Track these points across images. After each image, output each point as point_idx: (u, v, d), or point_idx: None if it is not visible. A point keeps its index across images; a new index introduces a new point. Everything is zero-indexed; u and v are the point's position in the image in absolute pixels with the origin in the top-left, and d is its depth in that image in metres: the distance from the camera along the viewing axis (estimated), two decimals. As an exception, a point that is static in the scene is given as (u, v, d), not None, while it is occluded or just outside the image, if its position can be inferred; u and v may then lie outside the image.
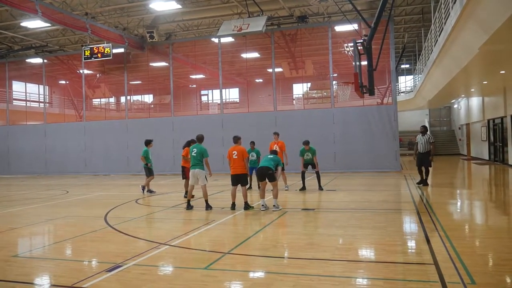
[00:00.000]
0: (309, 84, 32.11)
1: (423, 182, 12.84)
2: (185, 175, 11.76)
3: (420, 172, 12.91)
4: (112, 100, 38.25)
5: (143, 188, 13.16)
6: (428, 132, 13.48)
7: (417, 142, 13.01)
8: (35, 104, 29.64)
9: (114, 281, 4.83)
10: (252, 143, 12.98)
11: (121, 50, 22.95)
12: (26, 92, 28.93)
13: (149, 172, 13.12)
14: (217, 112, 27.89)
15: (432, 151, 12.66)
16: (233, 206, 9.46)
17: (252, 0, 17.46)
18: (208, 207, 9.60)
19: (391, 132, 18.94)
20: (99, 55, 20.35)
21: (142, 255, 5.85)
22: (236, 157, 9.41)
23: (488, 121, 23.42)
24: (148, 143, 13.19)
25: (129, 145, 22.34)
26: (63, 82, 31.58)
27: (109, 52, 20.15)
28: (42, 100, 27.57)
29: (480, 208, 9.72)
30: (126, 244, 6.65)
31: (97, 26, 19.42)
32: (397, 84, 27.98)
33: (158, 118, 26.52)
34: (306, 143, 12.54)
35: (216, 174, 18.32)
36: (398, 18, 22.93)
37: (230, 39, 21.89)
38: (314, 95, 33.68)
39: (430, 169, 12.98)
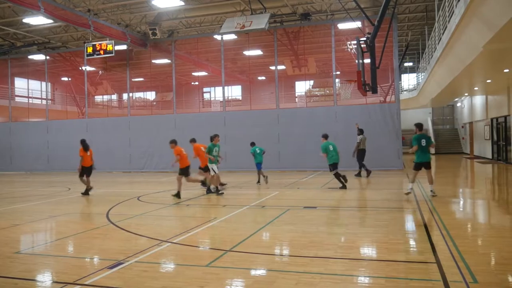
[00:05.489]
0: (311, 82, 32.06)
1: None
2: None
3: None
4: (114, 97, 38.28)
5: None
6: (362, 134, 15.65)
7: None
8: (38, 101, 29.68)
9: (116, 278, 4.84)
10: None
11: (124, 47, 22.98)
12: (29, 89, 28.97)
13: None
14: (220, 109, 27.88)
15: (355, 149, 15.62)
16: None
17: (255, -3, 17.43)
18: (203, 183, 12.08)
19: (393, 131, 18.88)
20: (102, 52, 20.34)
21: (144, 252, 5.86)
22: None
23: (492, 120, 23.33)
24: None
25: (131, 142, 22.33)
26: (66, 79, 31.62)
27: (111, 49, 20.14)
28: (45, 97, 27.63)
29: (482, 207, 9.69)
30: (128, 241, 6.66)
31: (99, 23, 19.42)
32: (400, 82, 27.88)
33: (160, 115, 26.51)
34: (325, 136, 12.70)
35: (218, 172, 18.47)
36: (401, 16, 22.85)
37: (232, 37, 21.86)
38: (316, 93, 33.60)
39: (363, 163, 15.78)
